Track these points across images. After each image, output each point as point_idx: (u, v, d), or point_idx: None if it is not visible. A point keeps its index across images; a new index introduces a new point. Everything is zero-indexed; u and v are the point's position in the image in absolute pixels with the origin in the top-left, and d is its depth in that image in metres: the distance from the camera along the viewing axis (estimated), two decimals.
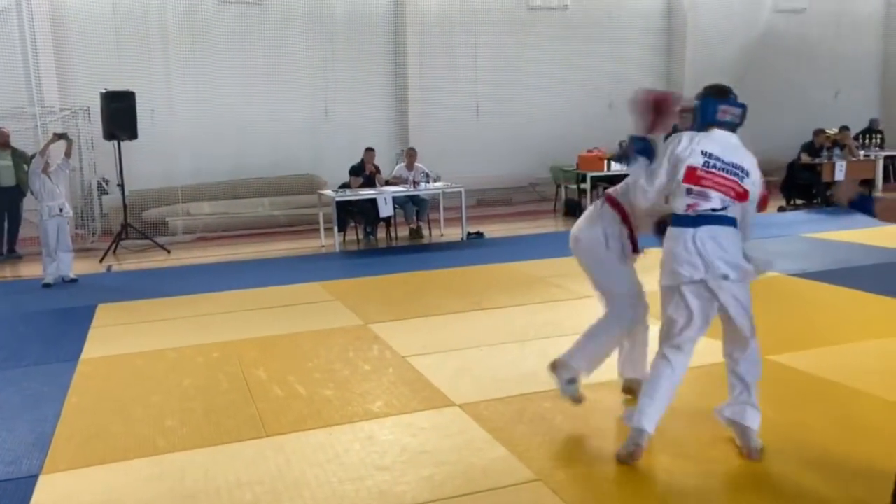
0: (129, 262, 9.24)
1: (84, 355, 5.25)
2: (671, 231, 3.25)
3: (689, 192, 3.16)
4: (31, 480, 3.34)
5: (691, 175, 3.15)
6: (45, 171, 7.67)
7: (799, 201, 11.75)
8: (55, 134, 8.14)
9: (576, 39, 13.44)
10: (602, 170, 11.38)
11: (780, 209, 11.50)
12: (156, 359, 5.12)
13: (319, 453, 3.53)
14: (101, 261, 9.21)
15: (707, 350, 3.63)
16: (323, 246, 9.71)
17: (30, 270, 8.73)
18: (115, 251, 9.56)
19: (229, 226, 11.13)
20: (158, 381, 4.65)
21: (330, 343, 5.31)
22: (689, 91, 13.52)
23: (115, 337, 5.72)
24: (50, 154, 7.84)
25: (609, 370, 3.98)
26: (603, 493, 3.09)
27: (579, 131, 12.82)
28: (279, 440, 3.70)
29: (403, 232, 10.40)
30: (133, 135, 9.54)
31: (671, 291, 3.25)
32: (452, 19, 12.88)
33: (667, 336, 3.32)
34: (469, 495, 3.09)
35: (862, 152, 12.25)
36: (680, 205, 3.19)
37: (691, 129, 3.27)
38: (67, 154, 8.01)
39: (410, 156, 10.51)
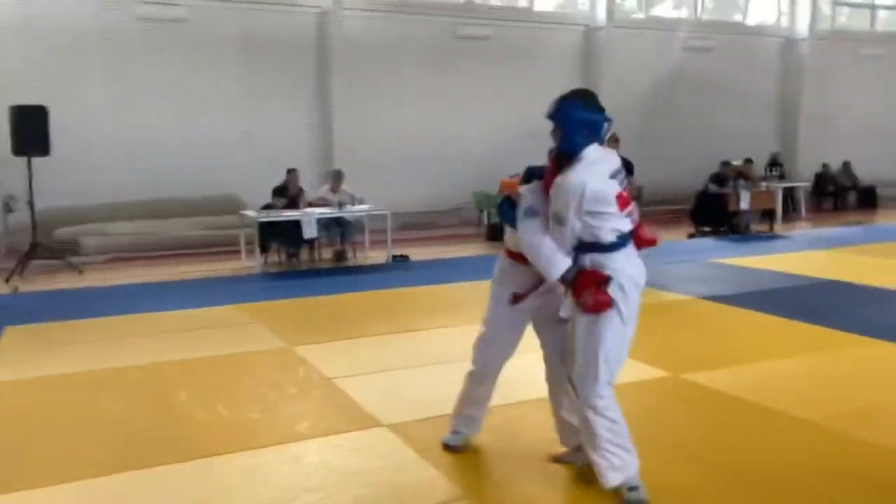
0: (38, 283, 8.82)
1: None
2: (616, 255, 2.99)
3: (629, 214, 3.02)
4: None
5: (623, 200, 2.97)
6: None
7: (706, 228, 12.36)
8: None
9: (498, 69, 13.79)
10: None
11: (690, 236, 12.06)
12: (69, 383, 4.93)
13: (246, 476, 3.49)
14: (7, 281, 8.76)
15: None
16: (244, 267, 9.55)
17: None
18: (21, 272, 9.11)
19: (147, 246, 10.79)
20: (73, 406, 4.48)
21: (254, 366, 5.25)
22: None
23: (25, 361, 5.46)
24: None
25: (533, 389, 4.09)
26: None
27: (502, 158, 13.03)
28: (204, 463, 3.64)
29: (327, 254, 10.35)
30: (45, 151, 9.15)
31: (623, 319, 3.03)
32: (379, 44, 13.02)
33: (612, 375, 3.08)
34: None
35: (764, 184, 13.02)
36: (622, 227, 2.99)
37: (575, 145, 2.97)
38: None
39: (337, 178, 10.49)
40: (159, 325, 6.55)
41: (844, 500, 3.19)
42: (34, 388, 4.84)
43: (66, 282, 8.86)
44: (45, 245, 9.55)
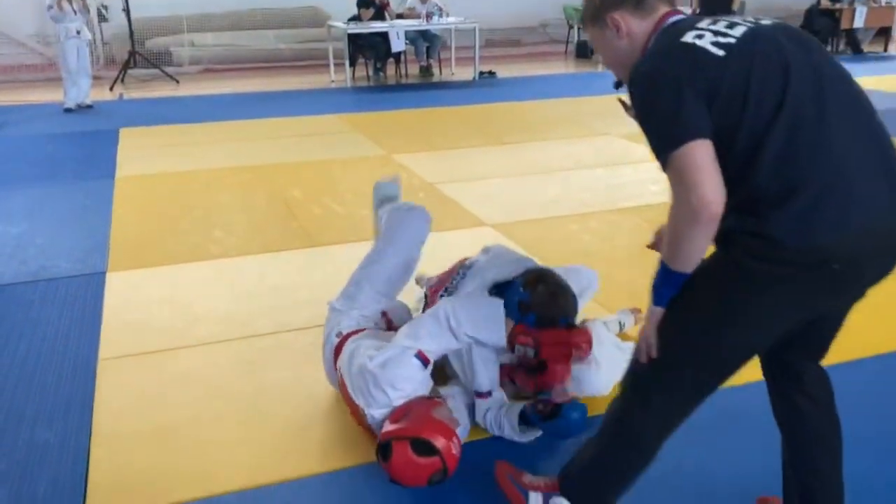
0: (138, 91, 9.14)
1: (119, 174, 5.39)
2: None
3: None
4: (100, 276, 3.58)
5: None
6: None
7: None
8: None
9: None
10: None
11: None
12: (190, 178, 5.27)
13: None
14: (111, 89, 9.11)
15: None
16: (333, 81, 9.59)
17: (41, 96, 8.66)
18: (122, 80, 9.42)
19: (235, 58, 10.89)
20: (197, 198, 4.82)
21: (358, 169, 5.45)
22: None
23: (145, 158, 5.83)
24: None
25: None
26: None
27: None
28: (326, 249, 3.93)
29: (413, 70, 10.25)
30: None
31: None
32: None
33: None
34: None
35: None
36: None
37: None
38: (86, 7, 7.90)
39: None
40: (263, 130, 6.80)
41: None
42: (159, 182, 5.20)
43: (165, 90, 9.14)
44: (141, 55, 9.76)
